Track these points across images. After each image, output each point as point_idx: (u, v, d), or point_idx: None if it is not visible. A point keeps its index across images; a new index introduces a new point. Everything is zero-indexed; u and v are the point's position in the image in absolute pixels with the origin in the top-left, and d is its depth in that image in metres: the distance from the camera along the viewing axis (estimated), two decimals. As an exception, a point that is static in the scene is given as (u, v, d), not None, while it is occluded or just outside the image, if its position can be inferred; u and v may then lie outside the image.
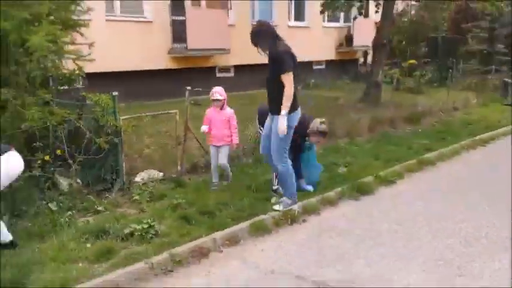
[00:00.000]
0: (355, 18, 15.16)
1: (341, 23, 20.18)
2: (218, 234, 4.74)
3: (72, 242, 4.60)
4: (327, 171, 6.88)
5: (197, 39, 13.91)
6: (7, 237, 4.48)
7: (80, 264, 4.19)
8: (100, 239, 4.69)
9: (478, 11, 17.49)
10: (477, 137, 9.89)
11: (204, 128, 6.36)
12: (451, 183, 7.18)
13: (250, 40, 5.29)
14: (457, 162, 8.41)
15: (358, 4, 14.29)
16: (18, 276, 3.88)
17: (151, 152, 7.34)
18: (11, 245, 4.48)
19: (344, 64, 20.57)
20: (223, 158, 6.32)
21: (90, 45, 6.39)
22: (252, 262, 4.42)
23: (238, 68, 15.84)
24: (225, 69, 15.88)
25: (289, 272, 4.23)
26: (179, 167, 6.99)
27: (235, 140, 6.39)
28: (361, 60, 22.24)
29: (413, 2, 20.62)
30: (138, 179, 6.57)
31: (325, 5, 14.38)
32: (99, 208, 5.57)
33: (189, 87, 7.05)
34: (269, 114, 5.54)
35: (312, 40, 18.57)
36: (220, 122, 6.26)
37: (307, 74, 17.76)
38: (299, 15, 18.74)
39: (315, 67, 19.46)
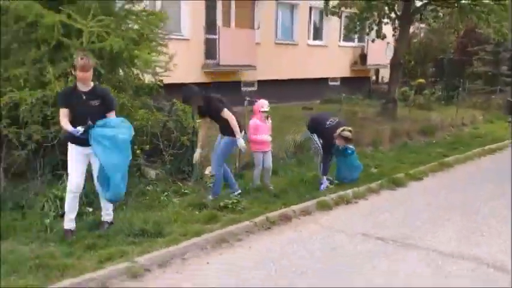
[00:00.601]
0: (373, 40, 16.64)
1: (356, 43, 21.63)
2: (294, 207, 6.19)
3: (182, 210, 5.97)
4: (361, 171, 8.21)
5: (228, 56, 15.17)
6: (110, 218, 5.42)
7: (196, 224, 5.55)
8: (202, 210, 6.06)
9: (483, 36, 18.80)
10: (486, 147, 11.38)
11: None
12: (467, 179, 8.71)
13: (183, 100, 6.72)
14: (471, 165, 9.96)
15: (376, 27, 15.81)
16: (158, 229, 5.26)
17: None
18: (109, 224, 5.35)
19: (357, 81, 21.93)
20: (270, 161, 7.20)
21: (174, 64, 7.82)
22: (325, 225, 5.90)
23: (261, 82, 16.99)
24: (250, 83, 17.03)
25: (355, 232, 5.68)
26: (237, 164, 8.39)
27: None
28: (373, 78, 23.71)
29: (422, 25, 22.04)
30: (206, 171, 7.97)
31: (348, 29, 15.96)
32: (186, 191, 6.95)
33: (248, 98, 8.49)
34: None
35: (329, 58, 20.00)
36: (267, 129, 7.09)
37: (324, 89, 19.20)
38: (317, 35, 20.16)
39: (330, 83, 20.83)
